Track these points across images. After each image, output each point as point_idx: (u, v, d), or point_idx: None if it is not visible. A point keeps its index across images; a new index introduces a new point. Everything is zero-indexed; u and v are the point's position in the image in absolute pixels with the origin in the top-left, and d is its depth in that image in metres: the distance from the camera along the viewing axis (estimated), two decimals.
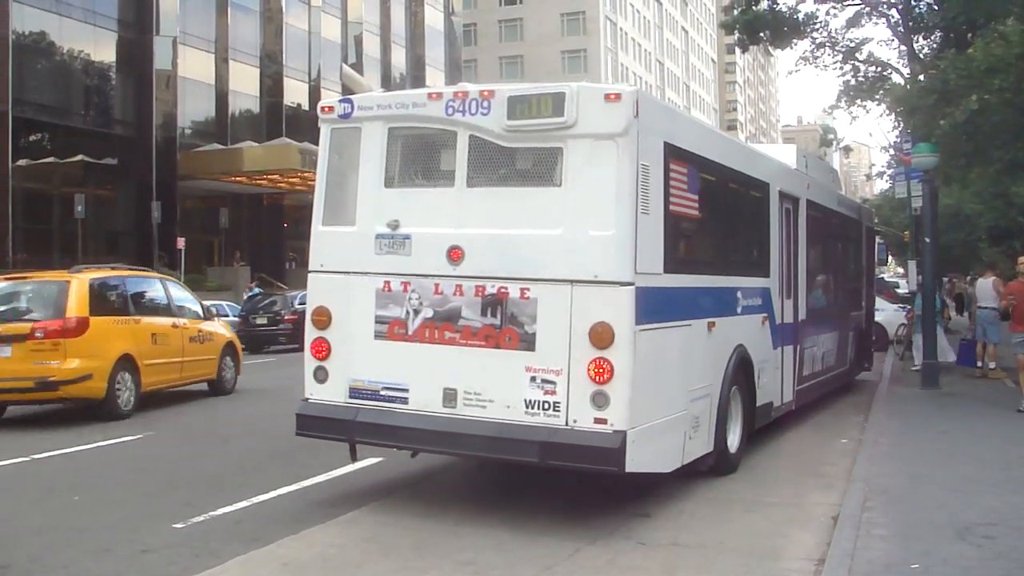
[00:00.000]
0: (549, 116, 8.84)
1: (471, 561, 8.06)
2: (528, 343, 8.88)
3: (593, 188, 8.74)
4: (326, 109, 10.09)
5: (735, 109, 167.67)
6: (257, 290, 40.44)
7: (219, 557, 8.15)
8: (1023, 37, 17.04)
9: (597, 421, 8.59)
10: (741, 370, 11.62)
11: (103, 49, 44.88)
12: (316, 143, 10.57)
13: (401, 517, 9.43)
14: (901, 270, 54.04)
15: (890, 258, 49.18)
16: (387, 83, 58.62)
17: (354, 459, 10.38)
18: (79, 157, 43.43)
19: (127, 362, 15.86)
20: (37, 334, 14.62)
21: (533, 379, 8.82)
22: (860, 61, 33.36)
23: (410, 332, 9.38)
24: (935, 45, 30.46)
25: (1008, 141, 21.08)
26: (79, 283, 15.41)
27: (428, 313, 9.31)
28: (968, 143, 21.04)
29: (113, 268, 16.44)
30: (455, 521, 9.24)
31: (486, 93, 9.16)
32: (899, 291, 26.04)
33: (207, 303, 21.07)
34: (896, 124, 31.42)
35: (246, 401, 19.16)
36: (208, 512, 9.58)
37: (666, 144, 9.43)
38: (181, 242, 41.92)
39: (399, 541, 8.64)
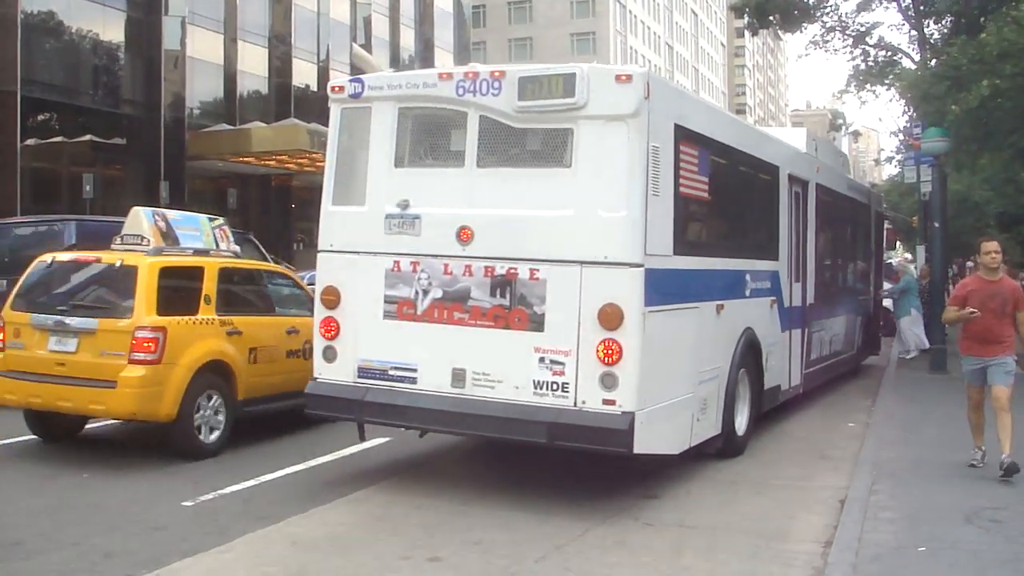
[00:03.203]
0: (560, 97, 8.83)
1: (480, 540, 8.11)
2: (537, 324, 8.89)
3: (603, 169, 8.74)
4: (336, 89, 10.08)
5: (744, 93, 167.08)
6: None
7: (228, 535, 8.20)
8: None
9: (606, 402, 8.62)
10: (749, 353, 11.63)
11: (112, 29, 44.75)
12: (325, 124, 10.57)
13: (410, 496, 9.47)
14: (909, 255, 53.95)
15: (898, 243, 49.08)
16: (396, 64, 58.36)
17: (363, 439, 10.43)
18: (87, 137, 43.33)
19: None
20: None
21: (542, 360, 8.84)
22: (870, 45, 33.19)
23: (419, 312, 9.39)
24: (946, 30, 30.31)
25: (1019, 127, 20.98)
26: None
27: (437, 293, 9.32)
28: (979, 129, 20.95)
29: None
30: (464, 500, 9.28)
31: (497, 73, 9.16)
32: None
33: None
34: (906, 109, 31.35)
35: None
36: (217, 490, 9.62)
37: (676, 126, 9.42)
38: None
39: (408, 520, 8.68)
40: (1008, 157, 27.10)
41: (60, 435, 12.03)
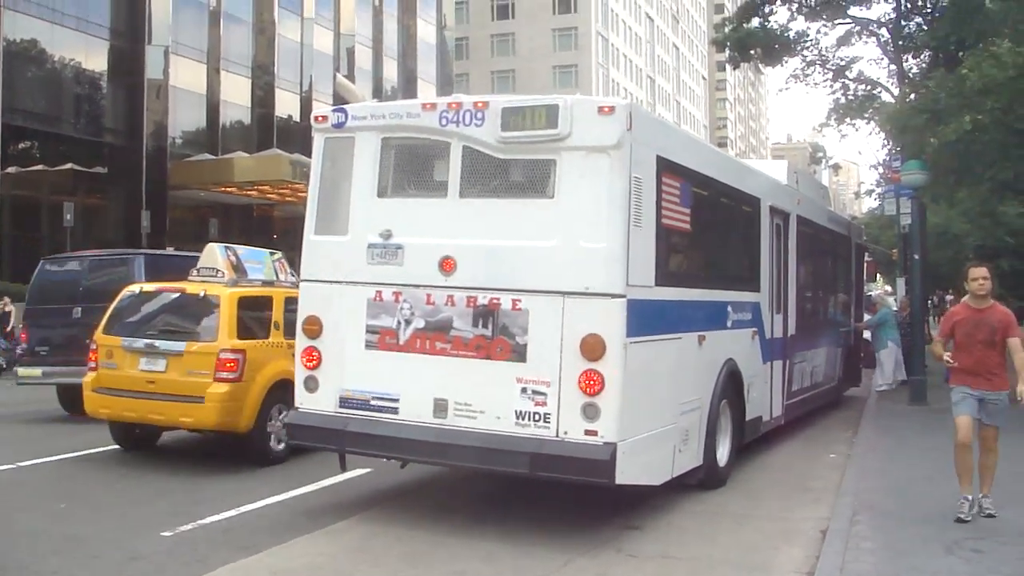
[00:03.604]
0: (543, 128, 8.87)
1: (461, 572, 8.08)
2: (519, 354, 8.89)
3: (586, 200, 8.77)
4: (320, 118, 10.10)
5: (725, 126, 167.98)
6: None
7: (208, 565, 8.15)
8: (1016, 58, 17.13)
9: (587, 433, 8.61)
10: (731, 384, 11.65)
11: (95, 57, 44.78)
12: (307, 155, 10.57)
13: (391, 527, 9.43)
14: (889, 287, 54.17)
15: (878, 276, 49.33)
16: (379, 96, 58.46)
17: (344, 469, 10.40)
18: (69, 165, 43.27)
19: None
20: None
21: (524, 390, 8.83)
22: (850, 79, 33.56)
23: (401, 342, 9.38)
24: (924, 64, 30.67)
25: (997, 161, 21.18)
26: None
27: (419, 323, 9.32)
28: (957, 162, 21.14)
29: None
30: (445, 532, 9.24)
31: (480, 104, 9.19)
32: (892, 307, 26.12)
33: None
34: (885, 142, 31.62)
35: None
36: (197, 520, 9.57)
37: (659, 157, 9.47)
38: (170, 252, 41.79)
39: (389, 551, 8.64)
40: (986, 191, 27.35)
41: (140, 445, 13.72)
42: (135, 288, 13.71)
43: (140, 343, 12.58)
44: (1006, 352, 9.39)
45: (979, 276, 9.53)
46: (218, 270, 13.31)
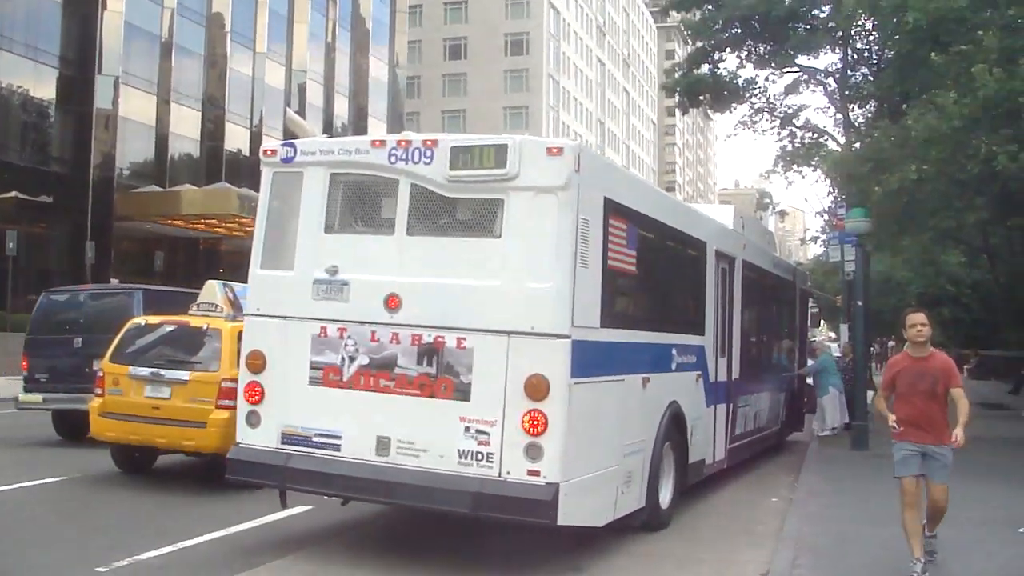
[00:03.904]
0: (491, 167, 8.89)
1: None
2: (463, 393, 8.87)
3: (532, 240, 8.79)
4: (268, 152, 10.06)
5: (674, 170, 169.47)
6: None
7: None
8: (960, 110, 17.45)
9: (530, 473, 8.58)
10: (674, 426, 11.67)
11: (43, 85, 44.41)
12: (256, 189, 10.52)
13: (331, 566, 9.34)
14: (833, 334, 54.72)
15: (822, 321, 49.85)
16: (329, 132, 58.39)
17: (284, 506, 10.27)
18: (13, 193, 42.76)
19: None
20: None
21: (467, 429, 8.80)
22: (797, 127, 34.08)
23: (345, 379, 9.33)
24: (870, 114, 31.22)
25: (939, 210, 21.52)
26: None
27: (364, 360, 9.27)
28: (901, 211, 21.46)
29: None
30: (386, 569, 9.19)
31: (429, 142, 9.21)
32: (835, 353, 26.41)
33: None
34: (831, 190, 32.06)
35: None
36: (133, 556, 9.39)
37: (606, 199, 9.52)
38: (115, 283, 41.35)
39: None
40: (928, 239, 27.77)
41: (139, 468, 14.49)
42: (140, 320, 14.85)
43: (146, 371, 13.54)
44: (948, 403, 9.08)
45: (917, 322, 9.11)
46: (217, 305, 14.18)
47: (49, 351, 18.50)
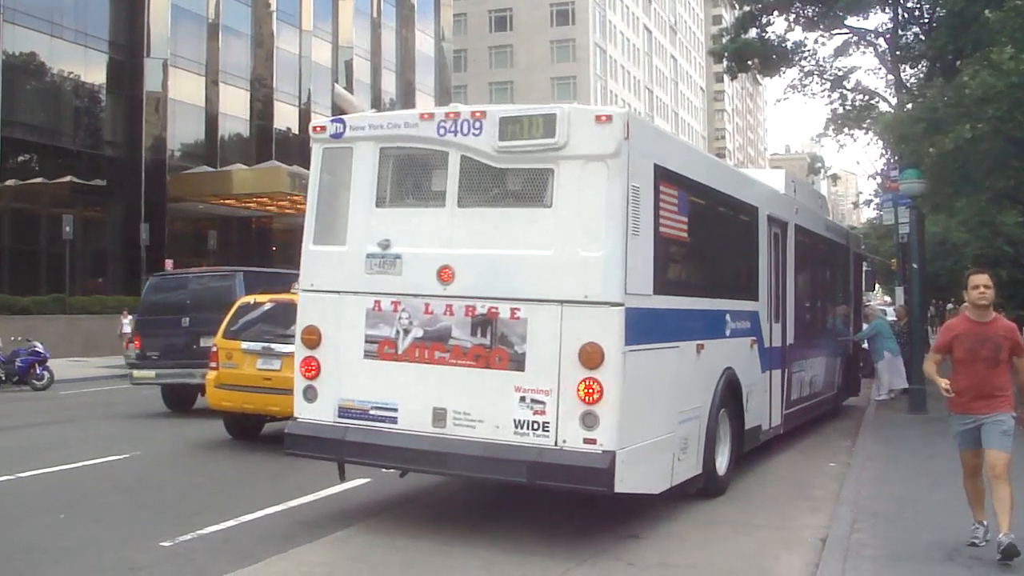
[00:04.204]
0: (540, 137, 8.87)
1: None
2: (518, 363, 8.88)
3: (583, 209, 8.77)
4: (318, 129, 10.11)
5: (723, 137, 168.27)
6: None
7: (207, 575, 8.13)
8: (1016, 65, 17.13)
9: (586, 441, 8.60)
10: (729, 393, 11.64)
11: (93, 70, 44.88)
12: (306, 167, 10.58)
13: (390, 537, 9.41)
14: (888, 298, 54.19)
15: (877, 286, 49.38)
16: (377, 107, 58.51)
17: (343, 479, 10.36)
18: (68, 178, 43.33)
19: None
20: None
21: (522, 399, 8.82)
22: (848, 89, 33.55)
23: (400, 352, 9.38)
24: (922, 74, 30.71)
25: (995, 170, 21.19)
26: None
27: (418, 333, 9.31)
28: (955, 171, 21.15)
29: None
30: (444, 541, 9.23)
31: (478, 114, 9.20)
32: (889, 317, 26.14)
33: None
34: (884, 152, 31.65)
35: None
36: (195, 530, 9.54)
37: (656, 166, 9.47)
38: (169, 264, 41.72)
39: (388, 560, 8.63)
40: (985, 200, 27.36)
41: (249, 435, 15.73)
42: (250, 299, 16.22)
43: (258, 346, 15.00)
44: (1012, 372, 8.48)
45: (980, 284, 8.42)
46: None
47: (159, 331, 20.33)
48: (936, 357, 8.83)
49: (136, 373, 20.70)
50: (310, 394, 9.85)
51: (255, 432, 15.77)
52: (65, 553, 8.87)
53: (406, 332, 9.37)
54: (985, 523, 8.55)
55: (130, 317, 37.19)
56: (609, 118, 8.77)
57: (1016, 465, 8.45)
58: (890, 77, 32.10)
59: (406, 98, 68.68)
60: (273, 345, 14.78)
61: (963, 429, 8.52)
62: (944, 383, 8.42)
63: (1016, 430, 8.43)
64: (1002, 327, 8.51)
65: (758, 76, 38.55)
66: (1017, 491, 8.33)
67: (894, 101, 30.98)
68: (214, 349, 15.54)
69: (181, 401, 20.35)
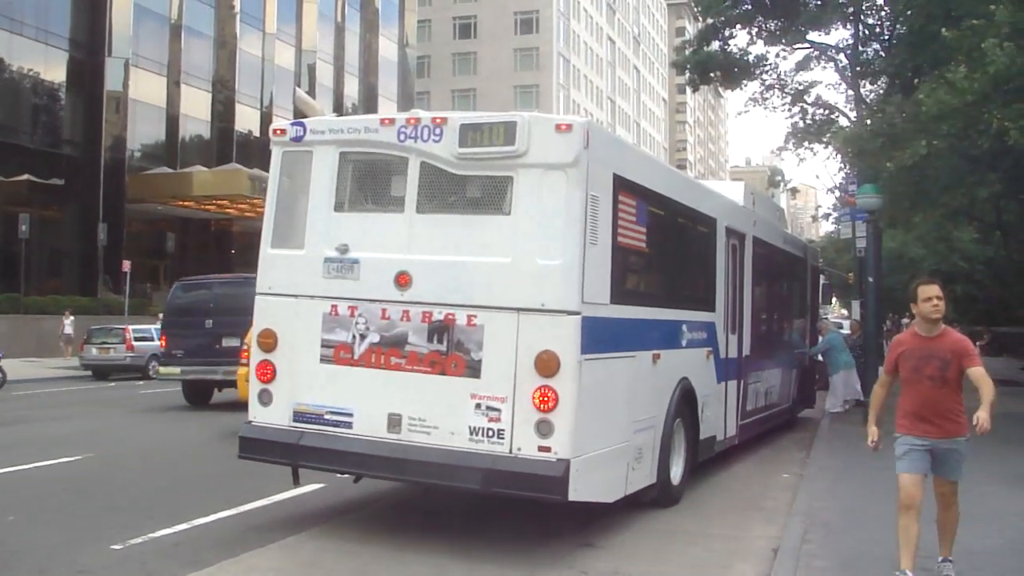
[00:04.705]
0: (500, 144, 8.88)
1: None
2: (474, 370, 8.88)
3: (542, 217, 8.78)
4: (278, 131, 10.07)
5: (685, 148, 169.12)
6: None
7: None
8: (971, 84, 17.36)
9: (541, 449, 8.60)
10: (685, 403, 11.68)
11: (54, 68, 44.53)
12: (266, 170, 10.52)
13: (343, 542, 9.38)
14: (845, 311, 54.66)
15: (834, 299, 49.84)
16: (339, 112, 58.37)
17: (297, 483, 10.33)
18: (25, 176, 42.94)
19: None
20: None
21: (478, 406, 8.82)
22: (808, 104, 33.91)
23: (356, 356, 9.35)
24: (881, 90, 31.09)
25: (951, 186, 21.46)
26: None
27: (375, 338, 9.29)
28: (913, 187, 21.39)
29: None
30: (398, 546, 9.21)
31: (438, 120, 9.20)
32: (843, 331, 26.40)
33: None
34: (842, 166, 31.97)
35: (189, 424, 18.98)
36: (147, 534, 9.47)
37: (615, 176, 9.51)
38: (127, 265, 41.48)
39: (340, 566, 8.60)
40: (940, 216, 27.70)
41: None
42: None
43: None
44: (961, 389, 7.71)
45: (932, 295, 7.70)
46: None
47: (183, 331, 22.22)
48: (886, 379, 8.26)
49: (162, 369, 22.94)
50: (265, 398, 9.80)
51: None
52: (12, 555, 8.77)
53: (362, 337, 9.34)
54: (912, 573, 7.58)
55: (72, 318, 37.41)
56: (569, 127, 8.80)
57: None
58: (850, 92, 32.49)
59: (368, 103, 68.59)
60: None
61: (911, 449, 7.71)
62: (873, 433, 8.06)
63: (967, 454, 7.81)
64: (950, 342, 7.73)
65: (720, 88, 38.84)
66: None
67: (853, 116, 31.32)
68: (244, 347, 15.57)
69: (200, 396, 22.38)
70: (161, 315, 26.68)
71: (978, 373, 7.55)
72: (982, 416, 7.27)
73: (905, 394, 7.88)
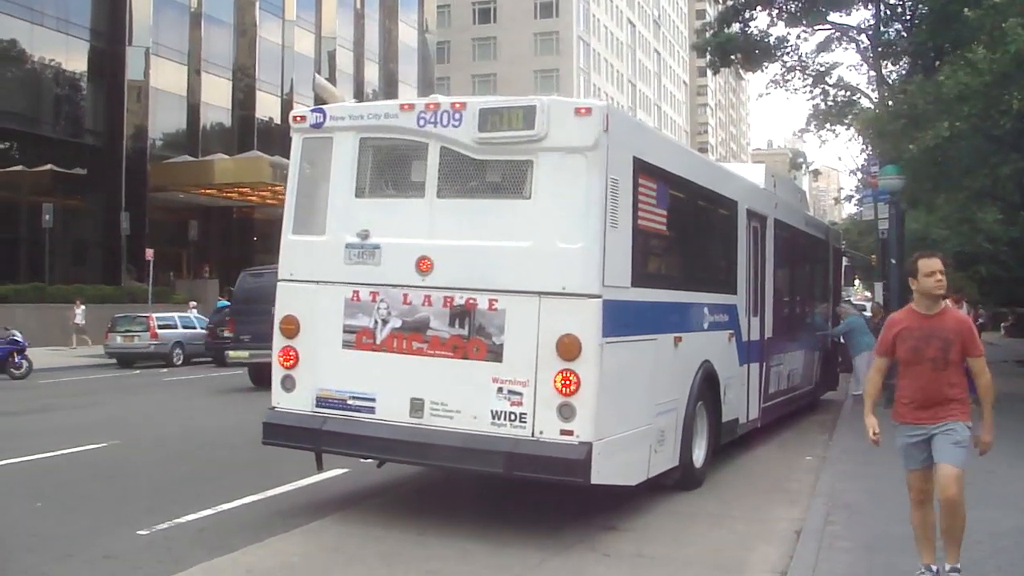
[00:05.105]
0: (520, 129, 8.88)
1: (437, 571, 8.09)
2: (495, 354, 8.90)
3: (562, 201, 8.79)
4: (298, 118, 10.10)
5: (706, 131, 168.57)
6: (225, 303, 40.28)
7: (183, 564, 8.13)
8: (991, 65, 17.21)
9: (563, 432, 8.62)
10: (707, 386, 11.67)
11: (75, 58, 44.66)
12: (287, 157, 10.56)
13: (367, 527, 9.43)
14: (868, 293, 54.41)
15: (857, 281, 49.59)
16: (360, 98, 58.41)
17: (320, 468, 10.38)
18: (48, 166, 43.13)
19: None
20: None
21: (500, 390, 8.84)
22: (830, 85, 33.70)
23: (378, 342, 9.38)
24: (903, 71, 30.86)
25: (975, 168, 21.31)
26: None
27: (396, 323, 9.32)
28: (935, 168, 21.26)
29: None
30: (421, 530, 9.24)
31: (458, 105, 9.21)
32: (865, 313, 26.27)
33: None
34: (864, 147, 31.77)
35: (213, 411, 19.09)
36: (172, 519, 9.55)
37: (635, 159, 9.49)
38: (150, 253, 41.66)
39: (364, 550, 8.64)
40: (963, 198, 27.51)
41: None
42: None
43: None
44: (964, 370, 7.22)
45: (936, 269, 7.15)
46: None
47: (250, 318, 22.73)
48: (881, 362, 7.67)
49: (232, 354, 24.23)
50: (288, 383, 9.85)
51: None
52: (40, 541, 8.85)
53: (384, 322, 9.38)
54: (934, 568, 7.28)
55: (83, 308, 37.51)
56: (589, 110, 8.79)
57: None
58: (872, 73, 32.27)
59: (388, 89, 68.57)
60: None
61: (909, 443, 7.32)
62: (872, 424, 7.48)
63: (971, 446, 7.17)
64: (952, 320, 7.24)
65: (741, 71, 38.63)
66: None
67: (875, 97, 31.12)
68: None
69: (265, 378, 21.84)
70: (227, 303, 28.87)
71: (979, 366, 7.17)
72: (984, 440, 7.10)
73: (904, 378, 7.39)
